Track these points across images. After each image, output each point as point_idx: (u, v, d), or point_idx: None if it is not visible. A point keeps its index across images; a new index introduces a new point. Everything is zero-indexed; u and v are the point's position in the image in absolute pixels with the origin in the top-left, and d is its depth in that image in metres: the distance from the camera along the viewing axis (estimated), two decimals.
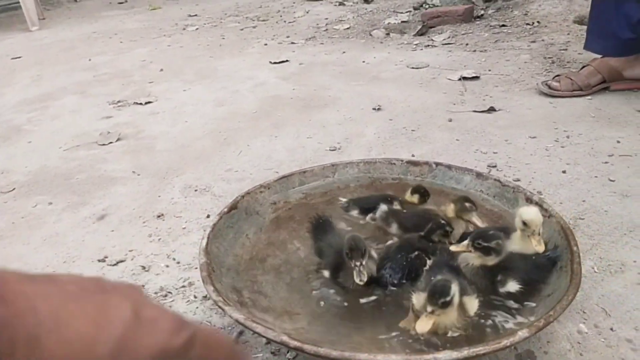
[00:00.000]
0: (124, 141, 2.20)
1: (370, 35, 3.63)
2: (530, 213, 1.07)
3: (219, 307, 0.92)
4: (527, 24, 3.45)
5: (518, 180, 1.62)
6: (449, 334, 0.93)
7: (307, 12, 4.62)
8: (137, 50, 3.82)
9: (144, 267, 1.35)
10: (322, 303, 1.05)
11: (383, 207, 1.28)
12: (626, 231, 1.35)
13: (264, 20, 4.52)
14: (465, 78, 2.56)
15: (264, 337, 0.86)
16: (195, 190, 1.73)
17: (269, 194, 1.36)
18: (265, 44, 3.66)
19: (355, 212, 1.32)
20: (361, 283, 0.99)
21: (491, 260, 1.05)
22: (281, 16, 4.64)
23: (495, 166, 1.73)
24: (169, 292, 1.25)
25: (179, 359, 0.40)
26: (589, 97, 2.22)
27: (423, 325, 0.91)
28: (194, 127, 2.29)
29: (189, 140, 2.15)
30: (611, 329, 1.05)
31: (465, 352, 0.76)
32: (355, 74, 2.82)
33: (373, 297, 1.04)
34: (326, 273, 1.10)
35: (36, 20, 5.03)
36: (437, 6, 3.85)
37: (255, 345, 1.07)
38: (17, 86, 3.18)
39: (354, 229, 1.27)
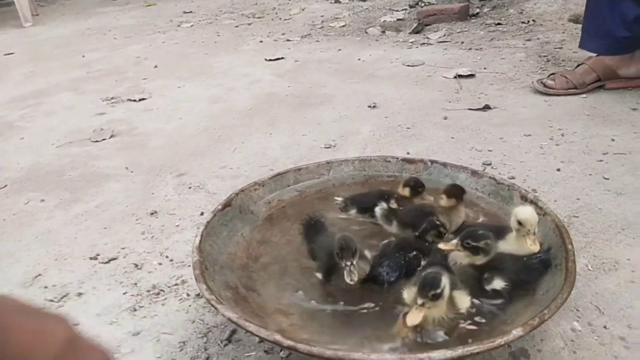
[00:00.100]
0: (118, 138, 2.18)
1: (366, 33, 3.62)
2: (525, 212, 1.07)
3: (212, 305, 0.91)
4: (523, 22, 3.45)
5: (513, 178, 1.61)
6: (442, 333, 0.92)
7: (303, 10, 4.61)
8: (131, 46, 3.79)
9: (136, 265, 1.34)
10: (313, 302, 1.05)
11: (382, 206, 1.26)
12: (620, 229, 1.35)
13: (259, 18, 4.50)
14: (460, 76, 2.56)
15: (256, 335, 0.85)
16: (189, 188, 1.72)
17: (264, 192, 1.35)
18: (261, 41, 3.64)
19: (353, 212, 1.31)
20: (351, 283, 0.99)
21: (479, 260, 1.04)
22: (277, 13, 4.62)
23: (490, 164, 1.73)
24: (162, 290, 1.24)
25: None
26: (584, 95, 2.22)
27: (413, 318, 0.91)
28: (188, 124, 2.28)
29: (183, 137, 2.14)
30: (605, 327, 1.05)
31: (460, 350, 0.76)
32: (350, 72, 2.81)
33: (367, 301, 1.03)
34: (319, 275, 1.09)
35: (29, 16, 4.99)
36: (433, 4, 3.84)
37: (248, 343, 1.06)
38: (10, 83, 3.16)
39: (349, 229, 1.26)
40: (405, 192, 1.29)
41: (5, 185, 1.84)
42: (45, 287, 1.28)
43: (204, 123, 2.27)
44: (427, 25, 3.55)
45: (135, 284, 1.27)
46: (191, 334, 1.10)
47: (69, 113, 2.53)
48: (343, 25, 3.87)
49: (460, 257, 1.06)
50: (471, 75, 2.56)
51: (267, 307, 1.02)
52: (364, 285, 1.06)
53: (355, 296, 1.04)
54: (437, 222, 1.16)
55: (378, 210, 1.25)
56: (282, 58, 3.15)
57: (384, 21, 3.78)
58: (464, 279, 1.04)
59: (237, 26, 4.22)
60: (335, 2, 4.75)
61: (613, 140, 1.82)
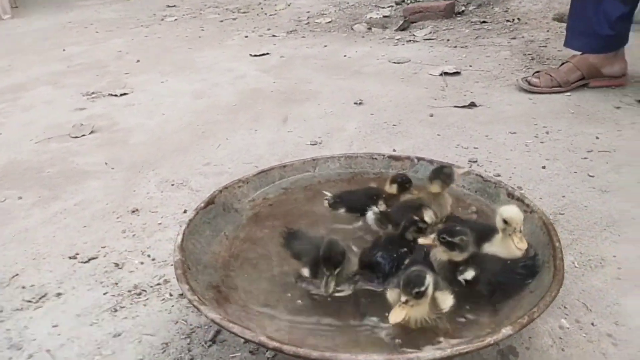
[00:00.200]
0: (98, 134, 2.13)
1: (352, 29, 3.60)
2: (510, 211, 1.06)
3: (194, 306, 0.88)
4: (508, 20, 3.46)
5: (498, 175, 1.61)
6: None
7: (289, 5, 4.57)
8: (113, 40, 3.72)
9: (117, 264, 1.30)
10: (299, 302, 1.03)
11: (373, 210, 1.23)
12: (605, 226, 1.35)
13: (244, 13, 4.45)
14: (446, 73, 2.56)
15: (241, 337, 0.82)
16: (172, 185, 1.68)
17: (248, 189, 1.32)
18: (246, 37, 3.60)
19: (342, 211, 1.28)
20: (325, 294, 0.97)
21: (456, 256, 1.03)
22: (262, 8, 4.57)
23: (476, 161, 1.72)
24: (143, 290, 1.20)
25: None
26: (568, 93, 2.23)
27: (396, 316, 0.89)
28: (171, 119, 2.24)
29: (165, 133, 2.10)
30: (592, 324, 1.05)
31: (449, 350, 0.74)
32: (336, 68, 2.79)
33: (349, 293, 1.01)
34: (305, 271, 1.07)
35: (8, 8, 4.87)
36: (419, 1, 3.84)
37: (233, 344, 1.04)
38: None
39: (337, 227, 1.25)
40: (393, 189, 1.27)
41: None
42: (23, 288, 1.24)
43: (187, 119, 2.23)
44: (413, 22, 3.55)
45: (116, 283, 1.24)
46: (174, 335, 1.07)
47: (48, 108, 2.47)
48: (329, 22, 3.85)
49: (440, 254, 1.05)
50: (457, 73, 2.56)
51: (252, 308, 1.00)
52: (361, 272, 1.04)
53: (343, 296, 1.02)
54: (416, 218, 1.14)
55: (371, 215, 1.22)
56: (268, 54, 3.12)
57: (370, 18, 3.76)
58: (443, 275, 1.03)
59: (221, 21, 4.16)
60: None
61: (597, 138, 1.83)
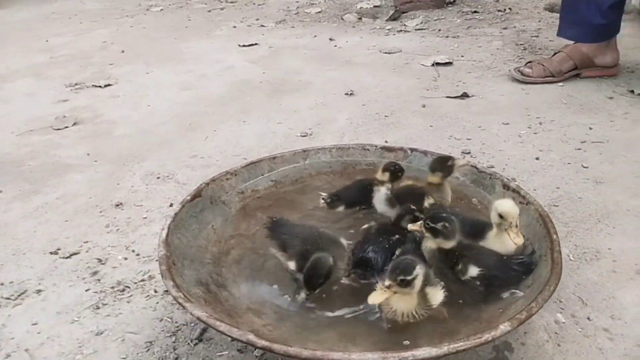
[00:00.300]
0: (81, 126, 2.07)
1: (342, 19, 3.55)
2: (506, 205, 1.03)
3: (179, 304, 0.84)
4: (499, 10, 3.43)
5: (492, 167, 1.59)
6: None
7: None
8: (97, 31, 3.63)
9: (100, 260, 1.25)
10: (287, 297, 0.99)
11: (382, 191, 1.22)
12: (600, 218, 1.33)
13: (232, 2, 4.36)
14: (438, 64, 2.52)
15: (228, 336, 0.79)
16: (158, 178, 1.63)
17: (236, 181, 1.28)
18: (234, 27, 3.53)
19: (341, 208, 1.25)
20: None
21: (444, 244, 1.00)
22: None
23: (469, 152, 1.69)
24: (127, 287, 1.16)
25: None
26: (561, 83, 2.21)
27: (375, 298, 0.87)
28: (157, 111, 2.18)
29: (151, 125, 2.04)
30: (588, 318, 1.03)
31: (445, 348, 0.71)
32: (327, 59, 2.74)
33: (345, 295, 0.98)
34: (292, 265, 1.04)
35: None
36: None
37: (220, 342, 1.00)
38: None
39: (327, 220, 1.21)
40: (385, 177, 1.24)
41: None
42: (2, 284, 1.19)
43: (174, 110, 2.17)
44: (404, 12, 3.50)
45: (99, 280, 1.19)
46: (159, 333, 1.03)
47: (29, 100, 2.40)
48: (319, 12, 3.79)
49: (429, 242, 1.02)
50: (449, 63, 2.53)
51: (240, 305, 0.96)
52: (355, 270, 1.02)
53: (332, 291, 0.99)
54: (412, 207, 1.11)
55: (381, 195, 1.21)
56: (256, 44, 3.06)
57: (361, 8, 3.71)
58: (435, 266, 1.00)
59: (209, 11, 4.08)
60: None
61: (591, 128, 1.81)
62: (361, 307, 0.94)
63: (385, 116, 2.00)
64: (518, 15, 3.32)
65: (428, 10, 3.50)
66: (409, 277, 0.87)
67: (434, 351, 0.71)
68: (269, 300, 0.99)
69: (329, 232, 1.10)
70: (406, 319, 0.90)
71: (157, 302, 1.11)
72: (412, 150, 1.36)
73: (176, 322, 1.05)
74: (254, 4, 4.26)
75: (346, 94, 2.23)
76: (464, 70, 2.45)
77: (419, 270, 0.89)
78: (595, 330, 1.00)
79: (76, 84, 2.52)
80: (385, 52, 2.78)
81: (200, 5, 4.31)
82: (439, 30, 3.14)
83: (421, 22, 3.30)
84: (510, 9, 3.43)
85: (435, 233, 1.00)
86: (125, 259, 1.26)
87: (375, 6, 3.72)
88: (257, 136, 1.89)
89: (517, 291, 0.96)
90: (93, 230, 1.38)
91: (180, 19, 3.86)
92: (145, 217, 1.42)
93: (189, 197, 1.15)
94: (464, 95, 2.14)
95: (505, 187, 1.18)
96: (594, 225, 1.31)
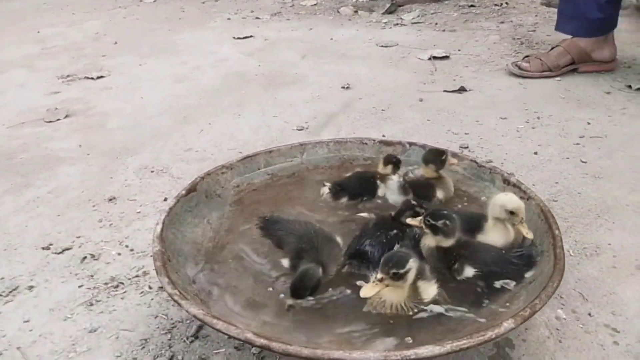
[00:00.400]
0: (73, 118, 2.03)
1: (338, 12, 3.52)
2: (514, 201, 1.02)
3: (175, 301, 0.82)
4: (496, 4, 3.42)
5: (490, 161, 1.57)
6: None
7: None
8: (90, 22, 3.57)
9: (93, 255, 1.23)
10: (282, 295, 0.97)
11: (395, 180, 1.22)
12: (600, 213, 1.33)
13: None
14: (435, 57, 2.50)
15: (226, 334, 0.77)
16: (152, 172, 1.60)
17: (232, 175, 1.26)
18: (229, 19, 3.49)
19: (345, 199, 1.23)
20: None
21: (443, 242, 0.99)
22: None
23: (467, 147, 1.68)
24: (121, 283, 1.14)
25: None
26: (558, 78, 2.20)
27: (367, 291, 0.86)
28: (150, 103, 2.14)
29: (144, 118, 2.01)
30: (589, 314, 1.02)
31: (448, 346, 0.70)
32: (322, 52, 2.71)
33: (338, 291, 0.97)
34: (285, 262, 1.02)
35: None
36: None
37: (217, 339, 0.98)
38: None
39: (325, 216, 1.20)
40: (388, 169, 1.24)
41: None
42: None
43: (168, 103, 2.14)
44: (400, 5, 3.47)
45: (92, 276, 1.17)
46: (154, 330, 1.01)
47: (21, 91, 2.35)
48: (314, 4, 3.76)
49: (428, 239, 1.01)
50: (446, 57, 2.51)
51: (237, 301, 0.94)
52: (351, 261, 1.01)
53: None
54: (413, 202, 1.10)
55: (394, 183, 1.21)
56: (251, 36, 3.02)
57: (357, 1, 3.68)
58: (433, 264, 0.99)
59: (203, 2, 4.03)
60: None
61: (589, 123, 1.80)
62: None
63: (382, 110, 1.98)
64: (515, 9, 3.31)
65: (424, 4, 3.47)
66: (402, 271, 0.86)
67: (436, 349, 0.70)
68: (266, 296, 0.97)
69: (325, 230, 1.08)
70: (394, 311, 0.89)
71: (152, 299, 1.09)
72: (410, 144, 1.35)
73: (171, 319, 1.03)
74: None
75: (342, 87, 2.21)
76: (461, 64, 2.43)
77: (412, 264, 0.88)
78: (597, 327, 0.99)
79: (68, 76, 2.48)
80: (382, 46, 2.75)
81: None
82: (436, 23, 3.12)
83: (418, 16, 3.28)
84: (507, 3, 3.42)
85: (435, 230, 0.99)
86: (119, 254, 1.23)
87: None
88: (253, 129, 1.86)
89: (509, 281, 0.95)
90: (86, 224, 1.35)
91: (173, 10, 3.81)
92: (139, 212, 1.40)
93: (184, 192, 1.13)
94: (462, 90, 2.13)
95: (506, 181, 1.17)
96: (593, 220, 1.30)
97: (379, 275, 0.86)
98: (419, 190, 1.19)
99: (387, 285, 0.87)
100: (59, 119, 2.01)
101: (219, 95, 2.19)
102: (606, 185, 1.44)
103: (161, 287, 1.10)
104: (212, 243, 1.10)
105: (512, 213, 1.01)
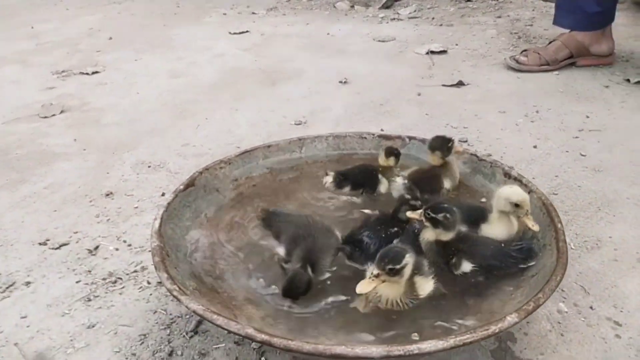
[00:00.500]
0: (68, 113, 2.01)
1: (335, 7, 3.50)
2: (519, 193, 1.01)
3: (174, 296, 0.81)
4: None
5: (490, 155, 1.56)
6: None
7: None
8: (84, 17, 3.54)
9: (90, 251, 1.21)
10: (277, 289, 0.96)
11: (400, 180, 1.21)
12: (600, 206, 1.32)
13: None
14: (432, 52, 2.49)
15: (226, 329, 0.76)
16: (149, 167, 1.59)
17: (230, 170, 1.25)
18: (224, 14, 3.47)
19: (347, 189, 1.23)
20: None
21: (442, 235, 0.98)
22: None
23: (466, 141, 1.67)
24: (119, 278, 1.12)
25: None
26: (556, 72, 2.19)
27: (363, 287, 0.85)
28: (146, 99, 2.13)
29: (141, 113, 1.99)
30: (591, 308, 1.02)
31: (452, 341, 0.69)
32: (319, 46, 2.70)
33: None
34: (281, 250, 1.01)
35: None
36: None
37: (217, 334, 0.97)
38: None
39: (324, 208, 1.19)
40: (390, 161, 1.24)
41: None
42: None
43: (164, 98, 2.12)
44: (396, 0, 3.46)
45: (90, 271, 1.16)
46: (152, 325, 1.00)
47: (15, 87, 2.33)
48: None
49: (427, 233, 1.00)
50: (443, 52, 2.50)
51: (237, 297, 0.93)
52: (344, 247, 1.00)
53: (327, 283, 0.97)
54: (408, 197, 1.09)
55: (400, 183, 1.20)
56: (247, 31, 3.00)
57: None
58: (431, 258, 0.98)
59: None
60: None
61: (588, 117, 1.80)
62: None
63: (380, 104, 1.97)
64: (512, 3, 3.30)
65: None
66: (398, 266, 0.85)
67: (440, 344, 0.69)
68: (267, 291, 0.96)
69: (323, 222, 1.07)
70: (390, 306, 0.88)
71: (151, 294, 1.08)
72: (410, 138, 1.34)
73: (170, 314, 1.02)
74: None
75: (340, 82, 2.20)
76: (458, 58, 2.42)
77: (409, 259, 0.87)
78: (599, 320, 0.99)
79: (63, 71, 2.46)
80: (379, 41, 2.74)
81: None
82: (433, 18, 3.11)
83: (414, 10, 3.27)
84: None
85: (435, 223, 0.98)
86: (117, 249, 1.22)
87: None
88: (250, 124, 1.85)
89: None
90: (83, 220, 1.34)
91: (169, 5, 3.78)
92: (136, 207, 1.38)
93: (182, 187, 1.12)
94: (460, 84, 2.12)
95: (507, 175, 1.16)
96: (594, 213, 1.30)
97: (375, 271, 0.85)
98: (425, 183, 1.18)
99: (383, 281, 0.86)
100: (54, 115, 1.99)
101: (216, 91, 2.18)
102: (606, 178, 1.44)
103: (160, 282, 1.09)
104: (210, 238, 1.08)
105: (517, 205, 1.00)
